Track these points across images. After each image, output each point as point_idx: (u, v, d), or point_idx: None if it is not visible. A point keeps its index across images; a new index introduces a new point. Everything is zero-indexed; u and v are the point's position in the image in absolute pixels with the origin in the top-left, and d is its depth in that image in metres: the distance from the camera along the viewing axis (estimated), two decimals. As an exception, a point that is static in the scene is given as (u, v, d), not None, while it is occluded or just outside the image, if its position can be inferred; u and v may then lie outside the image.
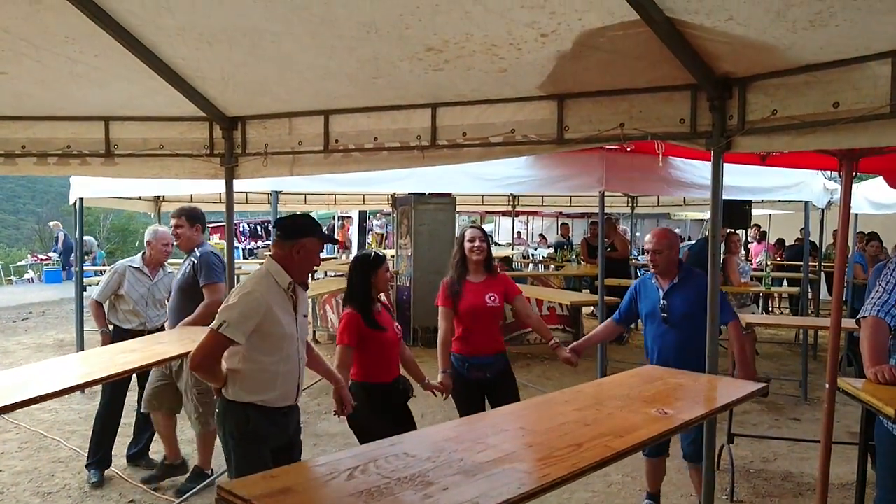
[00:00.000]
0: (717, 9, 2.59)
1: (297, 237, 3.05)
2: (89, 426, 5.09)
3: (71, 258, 19.98)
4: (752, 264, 11.45)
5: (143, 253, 5.30)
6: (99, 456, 4.90)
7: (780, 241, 14.74)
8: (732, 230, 8.14)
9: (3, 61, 3.61)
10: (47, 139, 4.50)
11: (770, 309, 13.35)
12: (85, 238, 11.50)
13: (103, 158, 4.50)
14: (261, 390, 2.98)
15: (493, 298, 4.12)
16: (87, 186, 7.85)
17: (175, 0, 3.01)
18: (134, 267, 5.21)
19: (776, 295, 12.46)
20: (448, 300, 4.14)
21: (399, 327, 4.01)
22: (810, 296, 10.47)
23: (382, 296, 4.02)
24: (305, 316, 3.26)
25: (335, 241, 10.91)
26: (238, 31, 3.26)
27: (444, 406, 6.04)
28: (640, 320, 4.26)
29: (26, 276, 21.78)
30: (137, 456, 5.17)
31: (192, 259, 4.70)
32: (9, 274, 22.02)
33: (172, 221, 4.90)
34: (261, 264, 3.62)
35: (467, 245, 4.16)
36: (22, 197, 52.15)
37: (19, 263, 23.21)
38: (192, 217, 4.86)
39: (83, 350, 7.43)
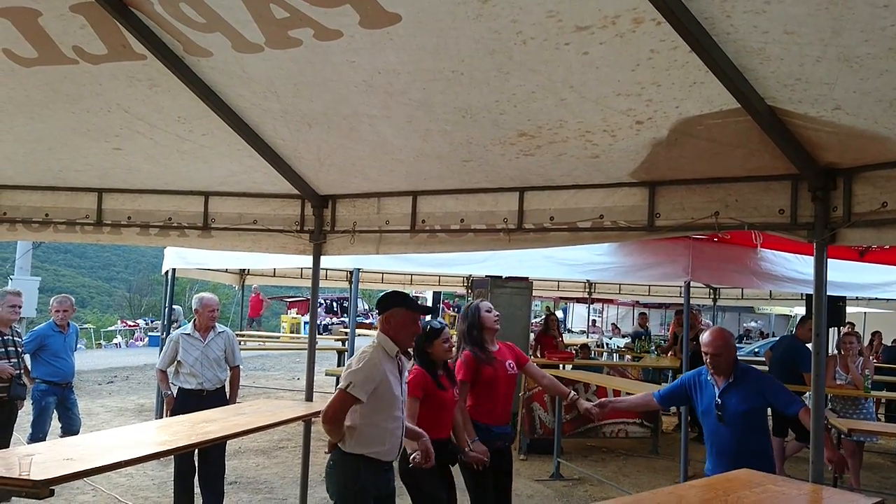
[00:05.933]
0: (822, 98, 2.52)
1: (387, 308, 3.47)
2: (161, 493, 5.13)
3: None
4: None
5: (194, 320, 5.56)
6: None
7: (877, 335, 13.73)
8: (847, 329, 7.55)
9: (121, 138, 3.88)
10: (151, 211, 4.77)
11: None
12: (173, 307, 11.95)
13: (200, 231, 4.73)
14: (374, 444, 3.35)
15: (511, 366, 4.15)
16: (182, 258, 8.21)
17: (281, 85, 3.18)
18: (186, 334, 5.46)
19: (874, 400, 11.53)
20: (469, 374, 4.04)
21: (456, 390, 4.00)
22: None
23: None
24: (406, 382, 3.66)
25: (429, 311, 10.85)
26: (338, 115, 3.39)
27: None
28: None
29: (114, 340, 22.71)
30: None
31: None
32: (99, 338, 23.01)
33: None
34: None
35: (486, 315, 4.16)
36: (116, 265, 55.10)
37: (110, 328, 24.28)
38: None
39: (162, 416, 7.60)
